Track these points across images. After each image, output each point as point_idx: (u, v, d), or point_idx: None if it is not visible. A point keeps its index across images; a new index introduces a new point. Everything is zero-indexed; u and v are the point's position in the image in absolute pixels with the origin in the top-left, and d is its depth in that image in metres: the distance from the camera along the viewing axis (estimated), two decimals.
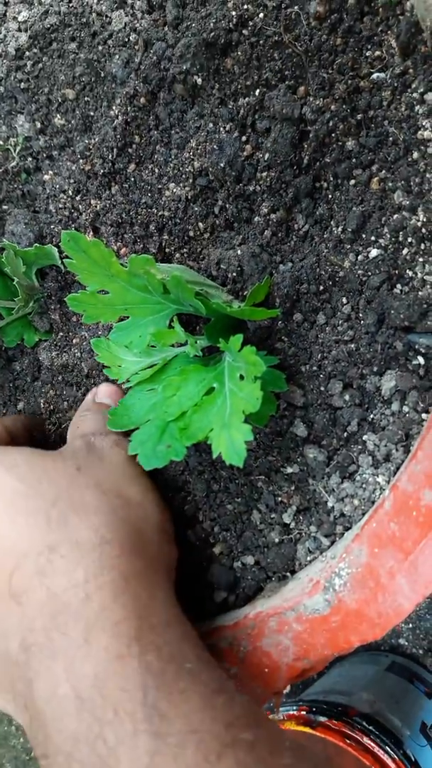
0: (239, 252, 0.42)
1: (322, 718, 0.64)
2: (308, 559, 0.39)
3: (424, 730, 0.68)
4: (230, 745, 0.28)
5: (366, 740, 0.61)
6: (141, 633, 0.31)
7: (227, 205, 0.43)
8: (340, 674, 0.80)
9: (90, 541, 0.34)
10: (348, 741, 0.60)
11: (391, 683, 0.76)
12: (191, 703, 0.29)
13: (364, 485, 0.37)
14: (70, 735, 0.29)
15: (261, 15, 0.40)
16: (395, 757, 0.60)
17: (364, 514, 0.36)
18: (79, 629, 0.31)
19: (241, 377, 0.36)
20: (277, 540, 0.40)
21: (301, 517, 0.40)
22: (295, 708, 0.68)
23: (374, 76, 0.37)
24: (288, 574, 0.40)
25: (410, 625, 0.83)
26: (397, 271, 0.38)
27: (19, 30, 0.50)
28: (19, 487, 0.36)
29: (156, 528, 0.39)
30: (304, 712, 0.66)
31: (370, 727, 0.62)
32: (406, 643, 0.83)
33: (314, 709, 0.66)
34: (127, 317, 0.41)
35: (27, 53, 0.50)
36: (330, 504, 0.38)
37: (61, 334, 0.51)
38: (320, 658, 0.35)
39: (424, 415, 0.36)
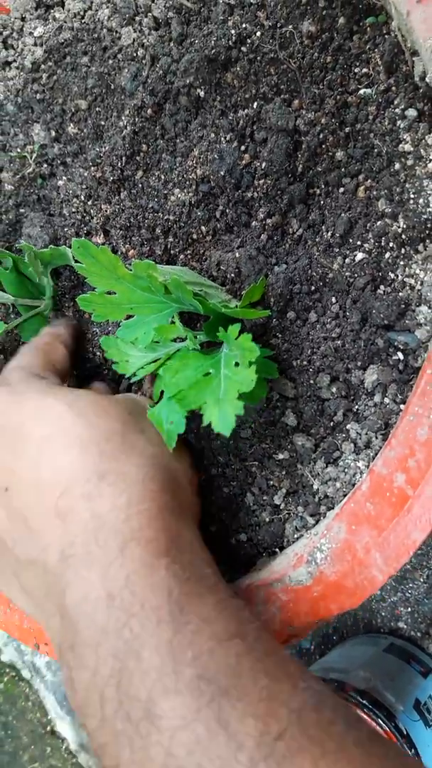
0: (237, 254, 0.46)
1: None
2: (295, 536, 0.42)
3: (418, 706, 0.71)
4: (239, 634, 0.32)
5: (359, 713, 0.64)
6: (170, 550, 0.35)
7: (227, 210, 0.47)
8: (339, 654, 0.84)
9: (135, 475, 0.37)
10: None
11: (388, 663, 0.79)
12: (207, 603, 0.33)
13: (346, 470, 0.41)
14: (99, 627, 0.32)
15: (258, 33, 0.43)
16: (387, 729, 0.63)
17: (345, 496, 0.40)
18: (117, 543, 0.34)
19: (236, 365, 0.40)
20: (267, 519, 0.44)
21: (290, 499, 0.43)
22: None
23: (361, 92, 0.40)
24: (277, 550, 0.43)
25: (409, 609, 0.86)
26: (380, 273, 0.41)
27: (35, 44, 0.54)
28: (78, 420, 0.39)
29: (187, 479, 0.43)
30: None
31: (364, 701, 0.65)
32: (405, 626, 0.86)
33: None
34: (133, 316, 0.45)
35: (42, 66, 0.53)
36: (315, 487, 0.42)
37: None
38: (304, 624, 0.39)
39: (401, 406, 0.40)
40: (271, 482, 0.44)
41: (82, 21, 0.52)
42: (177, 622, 0.32)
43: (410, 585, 0.82)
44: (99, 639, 0.32)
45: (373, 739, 0.31)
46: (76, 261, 0.42)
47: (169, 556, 0.35)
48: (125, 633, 0.32)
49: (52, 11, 0.54)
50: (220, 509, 0.46)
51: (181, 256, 0.49)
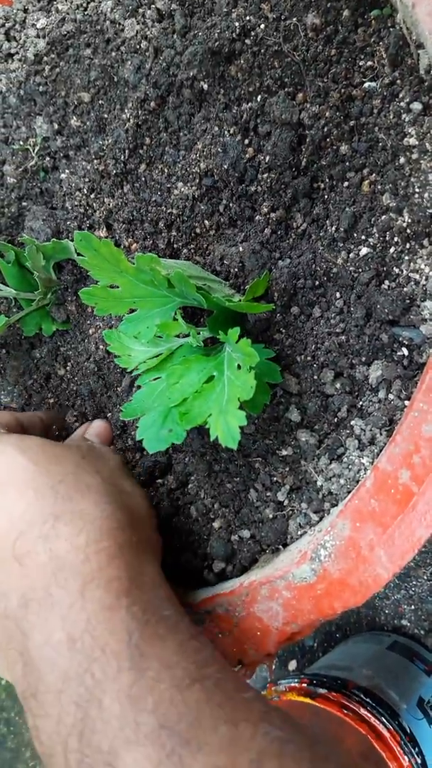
0: (241, 248, 0.45)
1: (322, 690, 0.67)
2: (299, 533, 0.42)
3: (422, 704, 0.71)
4: (199, 679, 0.32)
5: (362, 711, 0.64)
6: (130, 590, 0.35)
7: (231, 204, 0.46)
8: (342, 652, 0.83)
9: (92, 513, 0.38)
10: (345, 711, 0.64)
11: (391, 661, 0.79)
12: (168, 647, 0.33)
13: (350, 466, 0.40)
14: (61, 673, 0.32)
15: (262, 26, 0.43)
16: (390, 727, 0.63)
17: (349, 492, 0.40)
18: (77, 584, 0.34)
19: (239, 366, 0.40)
20: (271, 516, 0.43)
21: (293, 495, 0.43)
22: (296, 680, 0.71)
23: (366, 85, 0.40)
24: (281, 546, 0.43)
25: (412, 607, 0.86)
26: (384, 268, 0.40)
27: (38, 36, 0.53)
28: (30, 466, 0.39)
29: (145, 514, 0.43)
30: (305, 684, 0.70)
31: (367, 699, 0.65)
32: (409, 624, 0.86)
33: (315, 682, 0.70)
34: (136, 309, 0.44)
35: (45, 58, 0.53)
36: (319, 483, 0.42)
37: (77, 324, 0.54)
38: (307, 622, 0.38)
39: (406, 402, 0.39)
40: (275, 478, 0.44)
41: (85, 12, 0.51)
42: (137, 668, 0.32)
43: (414, 583, 0.82)
44: (61, 686, 0.32)
45: None
46: (79, 254, 0.42)
47: (130, 596, 0.35)
48: (87, 679, 0.32)
49: (54, 2, 0.53)
50: (223, 505, 0.46)
51: (185, 250, 0.49)
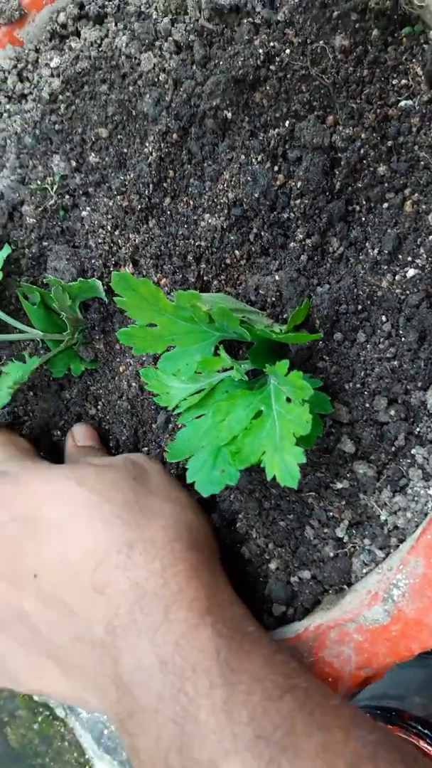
0: (277, 277, 0.44)
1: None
2: (364, 571, 0.40)
3: None
4: (289, 689, 0.33)
5: (422, 744, 0.61)
6: (211, 608, 0.36)
7: (262, 233, 0.45)
8: (391, 679, 0.81)
9: (163, 539, 0.38)
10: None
11: None
12: (255, 661, 0.34)
13: (416, 498, 0.38)
14: (155, 693, 0.34)
15: (287, 51, 0.42)
16: None
17: (417, 526, 0.38)
18: (160, 608, 0.35)
19: (288, 400, 0.38)
20: (332, 554, 0.42)
21: (354, 531, 0.41)
22: None
23: (402, 103, 0.39)
24: (345, 586, 0.41)
25: None
26: None
27: (52, 75, 0.53)
28: (91, 497, 0.40)
29: (204, 525, 0.44)
30: None
31: (425, 731, 0.63)
32: None
33: (367, 714, 0.67)
34: (173, 347, 0.43)
35: (60, 97, 0.52)
36: (383, 517, 0.40)
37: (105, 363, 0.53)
38: (382, 665, 0.36)
39: None
40: (332, 513, 0.42)
41: (99, 49, 0.51)
42: (229, 684, 0.33)
43: None
44: (156, 705, 0.33)
45: None
46: (114, 294, 0.41)
47: (212, 614, 0.36)
48: (181, 698, 0.33)
49: (67, 41, 0.53)
50: (278, 545, 0.44)
51: (215, 282, 0.48)
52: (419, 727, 0.64)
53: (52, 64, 0.52)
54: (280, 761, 0.30)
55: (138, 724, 0.34)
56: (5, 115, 0.55)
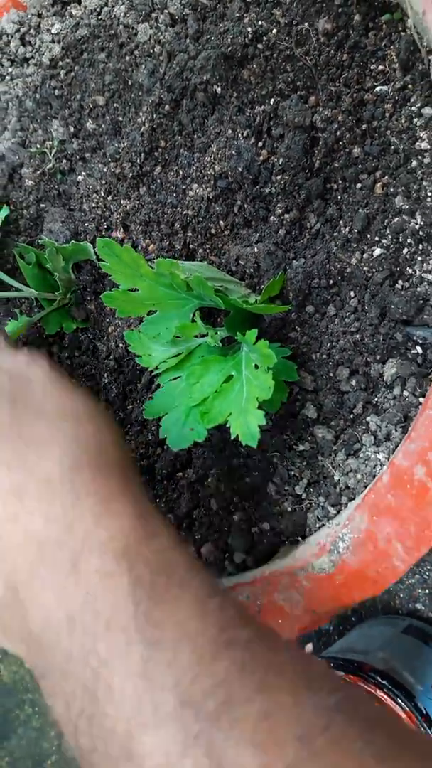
0: (256, 249, 0.47)
1: (339, 673, 0.69)
2: (317, 525, 0.44)
3: None
4: (225, 645, 0.28)
5: (379, 693, 0.66)
6: (128, 549, 0.30)
7: (245, 205, 0.47)
8: (358, 635, 0.85)
9: (58, 474, 0.33)
10: None
11: (406, 644, 0.81)
12: (184, 610, 0.29)
13: (366, 461, 0.42)
14: (63, 654, 0.29)
15: (274, 31, 0.44)
16: (406, 708, 0.65)
17: (365, 487, 0.41)
18: (66, 558, 0.31)
19: (256, 366, 0.41)
20: (290, 509, 0.45)
21: (311, 489, 0.45)
22: None
23: (378, 89, 0.41)
24: (299, 538, 0.45)
25: (427, 591, 0.88)
26: (398, 269, 0.41)
27: (53, 41, 0.54)
28: None
29: (111, 434, 0.37)
30: None
31: (383, 681, 0.67)
32: (423, 608, 0.88)
33: (332, 665, 0.72)
34: (156, 311, 0.46)
35: (60, 63, 0.54)
36: (336, 478, 0.43)
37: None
38: (326, 610, 0.40)
39: (421, 399, 0.40)
40: (293, 473, 0.45)
41: (99, 17, 0.52)
42: (150, 641, 0.28)
43: (428, 568, 0.84)
44: (66, 667, 0.29)
45: (395, 745, 0.26)
46: (99, 258, 0.43)
47: (129, 556, 0.30)
48: (92, 660, 0.28)
49: (68, 7, 0.54)
50: (243, 498, 0.48)
51: (200, 251, 0.50)
52: (378, 678, 0.68)
53: (53, 30, 0.54)
54: (211, 733, 0.25)
55: (50, 686, 0.30)
56: (8, 78, 0.57)
